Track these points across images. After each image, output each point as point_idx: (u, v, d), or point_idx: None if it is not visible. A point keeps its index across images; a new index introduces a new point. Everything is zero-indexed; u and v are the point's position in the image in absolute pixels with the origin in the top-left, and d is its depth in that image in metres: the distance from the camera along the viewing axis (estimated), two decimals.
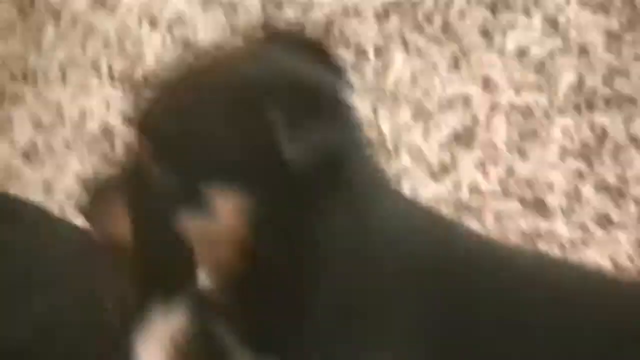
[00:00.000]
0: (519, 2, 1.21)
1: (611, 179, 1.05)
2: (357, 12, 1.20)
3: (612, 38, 1.12)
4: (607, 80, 1.11)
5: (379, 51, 1.21)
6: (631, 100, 1.10)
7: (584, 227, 1.03)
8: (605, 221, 1.04)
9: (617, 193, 1.05)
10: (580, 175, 1.07)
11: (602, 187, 1.06)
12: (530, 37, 1.16)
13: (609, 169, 1.06)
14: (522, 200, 1.06)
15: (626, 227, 1.06)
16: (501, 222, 1.04)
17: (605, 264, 1.02)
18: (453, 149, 1.12)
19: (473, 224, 1.00)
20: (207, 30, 1.18)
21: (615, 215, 1.05)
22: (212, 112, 0.67)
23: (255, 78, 0.66)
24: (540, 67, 1.14)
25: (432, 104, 1.14)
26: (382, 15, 1.21)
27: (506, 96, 1.13)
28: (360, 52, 1.21)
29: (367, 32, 1.19)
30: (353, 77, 1.08)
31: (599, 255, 1.01)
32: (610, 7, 1.13)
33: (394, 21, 1.20)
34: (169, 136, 0.67)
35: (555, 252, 1.03)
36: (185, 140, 0.67)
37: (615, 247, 1.04)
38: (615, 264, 1.04)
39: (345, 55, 1.16)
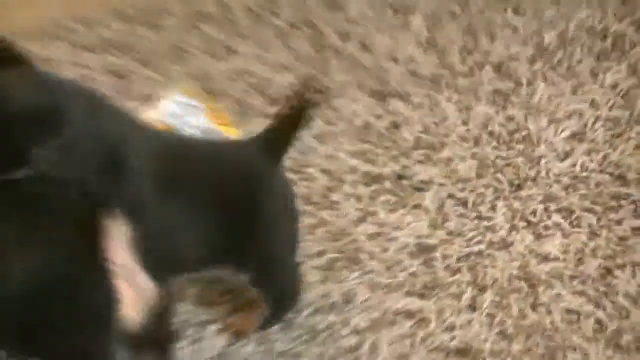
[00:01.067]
0: (613, 55, 1.70)
1: None
2: (516, 58, 1.73)
3: None
4: None
5: (529, 82, 1.69)
6: None
7: None
8: None
9: None
10: None
11: None
12: (618, 76, 1.67)
13: None
14: (611, 174, 1.52)
15: None
16: (598, 188, 1.48)
17: None
18: (571, 142, 1.58)
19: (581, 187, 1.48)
20: None
21: None
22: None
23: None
24: (625, 94, 1.62)
25: (560, 114, 1.62)
26: (531, 60, 1.73)
27: (604, 111, 1.61)
28: (518, 82, 1.68)
29: (522, 71, 1.70)
30: (514, 97, 1.59)
31: None
32: None
33: (539, 64, 1.72)
34: None
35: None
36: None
37: None
38: None
39: (507, 85, 1.67)
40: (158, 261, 1.07)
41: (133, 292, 1.04)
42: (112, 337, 1.06)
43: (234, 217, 1.19)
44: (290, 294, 1.32)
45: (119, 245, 1.02)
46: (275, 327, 1.29)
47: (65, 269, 1.00)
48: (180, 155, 1.17)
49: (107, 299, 1.02)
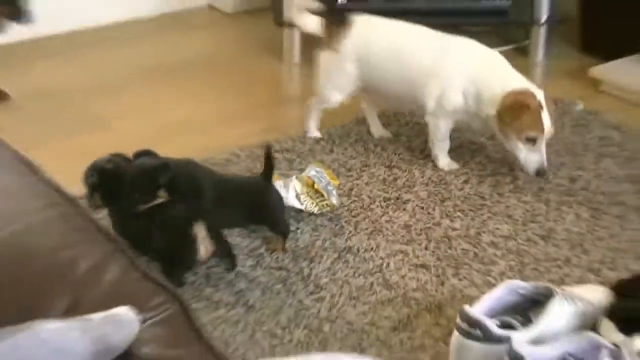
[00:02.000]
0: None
1: None
2: None
3: None
4: None
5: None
6: None
7: None
8: None
9: None
10: None
11: None
12: None
13: None
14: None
15: None
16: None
17: None
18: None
19: None
20: None
21: None
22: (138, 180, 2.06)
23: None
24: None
25: None
26: None
27: None
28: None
29: None
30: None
31: None
32: None
33: None
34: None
35: None
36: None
37: None
38: None
39: None
40: (219, 225, 2.15)
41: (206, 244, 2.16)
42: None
43: (255, 206, 2.29)
44: (286, 232, 2.35)
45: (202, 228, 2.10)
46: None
47: (180, 235, 2.11)
48: (224, 185, 2.22)
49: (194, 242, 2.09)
